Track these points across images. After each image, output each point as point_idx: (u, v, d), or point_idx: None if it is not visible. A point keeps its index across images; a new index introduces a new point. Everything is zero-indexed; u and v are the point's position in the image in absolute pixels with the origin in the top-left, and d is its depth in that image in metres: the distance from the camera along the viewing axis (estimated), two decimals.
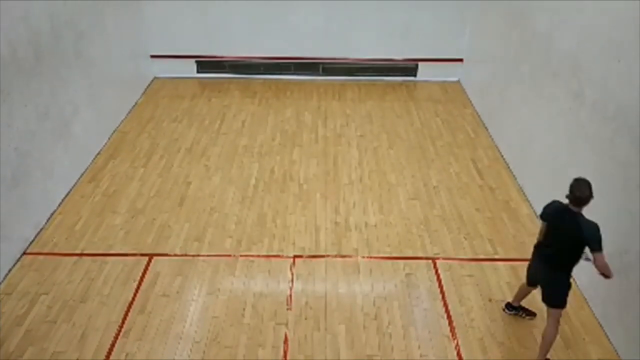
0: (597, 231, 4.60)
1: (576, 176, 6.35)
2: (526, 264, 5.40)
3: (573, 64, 6.38)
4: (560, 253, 4.85)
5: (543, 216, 5.06)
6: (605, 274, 4.67)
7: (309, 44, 10.86)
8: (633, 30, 5.22)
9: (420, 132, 9.34)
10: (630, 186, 5.19)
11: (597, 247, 4.58)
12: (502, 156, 8.59)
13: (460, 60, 10.93)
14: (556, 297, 5.02)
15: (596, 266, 4.67)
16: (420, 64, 11.10)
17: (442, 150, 8.79)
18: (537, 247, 5.18)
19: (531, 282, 5.36)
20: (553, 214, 4.92)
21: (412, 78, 11.26)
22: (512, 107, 8.31)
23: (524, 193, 7.71)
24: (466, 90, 10.79)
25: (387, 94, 10.75)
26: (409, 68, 11.18)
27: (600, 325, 5.68)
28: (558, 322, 5.06)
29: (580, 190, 4.63)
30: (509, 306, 5.76)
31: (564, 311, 5.33)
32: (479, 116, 9.84)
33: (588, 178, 5.96)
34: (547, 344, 5.09)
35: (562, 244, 4.81)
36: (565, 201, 4.79)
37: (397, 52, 10.99)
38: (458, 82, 11.19)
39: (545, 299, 5.10)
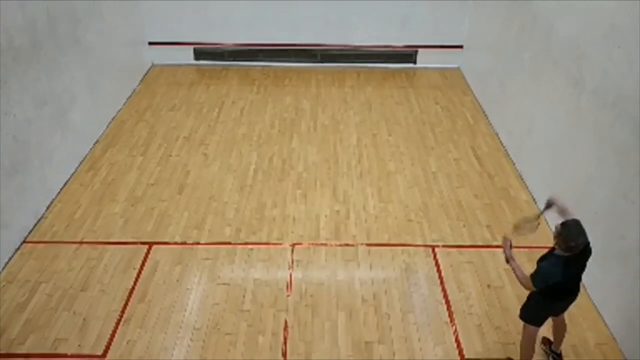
0: (542, 270, 4.32)
1: (575, 163, 6.32)
2: (525, 250, 5.40)
3: (574, 50, 6.35)
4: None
5: None
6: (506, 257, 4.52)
7: (308, 31, 10.77)
8: (634, 16, 5.18)
9: (420, 119, 9.32)
10: (629, 173, 5.19)
11: (534, 281, 4.32)
12: (501, 143, 8.58)
13: (460, 47, 10.86)
14: (524, 309, 4.80)
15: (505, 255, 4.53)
16: (419, 50, 11.04)
17: (441, 138, 8.78)
18: None
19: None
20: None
21: (411, 65, 11.19)
22: (512, 94, 8.28)
23: (523, 180, 7.71)
24: (466, 77, 10.74)
25: (387, 81, 10.71)
26: (408, 55, 11.11)
27: (598, 311, 5.72)
28: (530, 340, 4.80)
29: (575, 241, 4.19)
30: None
31: None
32: (478, 103, 9.80)
33: (587, 165, 5.98)
34: (521, 353, 4.95)
35: None
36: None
37: (397, 39, 10.92)
38: (458, 69, 11.13)
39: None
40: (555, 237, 4.27)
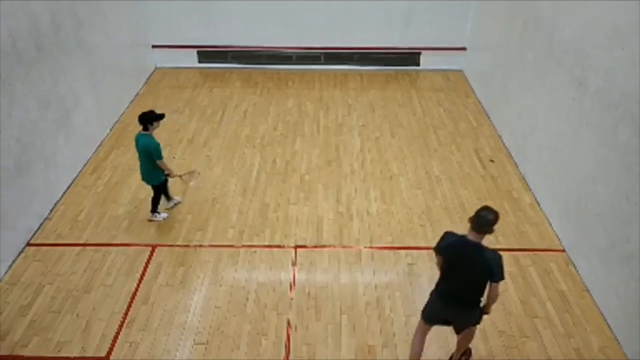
0: (500, 260, 4.28)
1: (578, 164, 6.36)
2: (528, 253, 5.38)
3: (577, 52, 6.34)
4: (466, 290, 4.46)
5: (437, 250, 4.63)
6: (490, 304, 4.44)
7: (311, 34, 10.80)
8: (637, 18, 5.17)
9: (423, 122, 9.32)
10: (632, 174, 5.17)
11: (499, 277, 4.28)
12: (504, 145, 8.57)
13: (463, 49, 10.86)
14: (472, 323, 4.72)
15: (488, 296, 4.41)
16: (422, 52, 11.04)
17: (444, 140, 8.77)
18: (437, 285, 4.72)
19: (432, 321, 4.86)
20: (451, 249, 4.48)
21: (414, 67, 11.20)
22: (514, 96, 8.27)
23: (526, 182, 7.69)
24: (469, 79, 10.74)
25: (389, 83, 10.71)
26: (411, 57, 11.11)
27: (602, 314, 5.70)
28: (474, 332, 4.85)
29: (485, 212, 4.26)
30: None
31: (565, 297, 5.31)
32: (481, 105, 9.79)
33: (590, 166, 5.98)
34: (463, 346, 4.98)
35: (466, 280, 4.41)
36: (460, 232, 4.45)
37: (400, 41, 10.93)
38: (461, 71, 11.13)
39: (460, 330, 4.80)
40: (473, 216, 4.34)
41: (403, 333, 5.49)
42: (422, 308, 4.88)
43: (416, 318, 5.64)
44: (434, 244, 6.60)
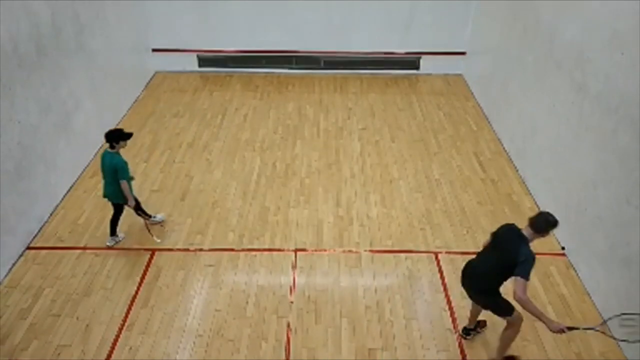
0: (532, 260, 4.42)
1: (578, 168, 6.39)
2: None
3: (577, 56, 6.36)
4: (485, 267, 4.71)
5: (493, 234, 4.91)
6: (531, 312, 4.44)
7: (311, 37, 10.83)
8: (637, 22, 5.19)
9: (423, 125, 9.33)
10: (632, 178, 5.18)
11: (521, 272, 4.38)
12: (504, 149, 8.58)
13: (463, 53, 10.89)
14: (499, 311, 4.88)
15: (514, 298, 4.44)
16: (422, 57, 11.07)
17: (444, 144, 8.78)
18: (467, 263, 5.01)
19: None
20: (501, 230, 4.79)
21: (414, 71, 11.22)
22: (514, 100, 8.28)
23: (526, 186, 7.70)
24: (469, 83, 10.76)
25: (389, 87, 10.73)
26: (411, 61, 11.14)
27: (603, 318, 5.68)
28: (519, 325, 4.91)
29: (548, 214, 4.55)
30: (466, 331, 5.47)
31: (565, 300, 5.30)
32: (481, 109, 9.81)
33: (590, 169, 6.00)
34: (505, 345, 5.05)
35: (492, 257, 4.66)
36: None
37: (400, 45, 10.95)
38: (460, 75, 11.15)
39: (494, 313, 4.95)
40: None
41: (403, 336, 5.48)
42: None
43: (416, 321, 5.65)
44: (433, 247, 6.69)
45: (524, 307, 4.43)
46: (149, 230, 6.61)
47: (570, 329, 4.46)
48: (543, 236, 4.55)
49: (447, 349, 5.36)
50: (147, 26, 10.56)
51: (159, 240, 6.59)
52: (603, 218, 5.68)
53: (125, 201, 6.31)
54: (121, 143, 6.14)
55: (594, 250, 5.88)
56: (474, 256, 4.83)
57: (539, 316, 4.43)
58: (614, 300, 5.51)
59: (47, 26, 6.99)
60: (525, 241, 4.51)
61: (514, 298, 4.41)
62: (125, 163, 6.17)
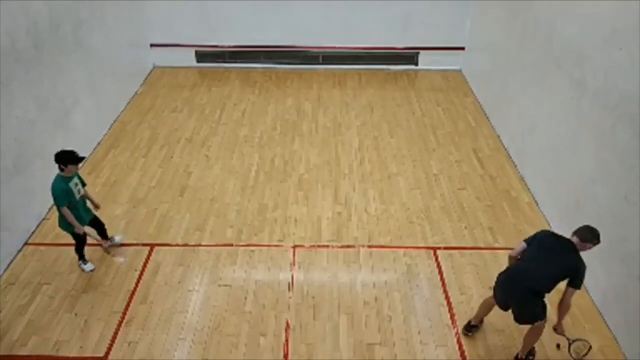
0: (584, 270, 4.67)
1: (577, 165, 6.40)
2: None
3: (576, 52, 6.35)
4: (538, 278, 4.70)
5: (529, 239, 4.92)
6: (562, 315, 4.81)
7: (309, 33, 10.80)
8: (635, 19, 5.18)
9: (421, 121, 9.32)
10: (631, 175, 5.19)
11: (579, 284, 4.68)
12: (503, 145, 8.58)
13: (462, 48, 10.87)
14: (534, 315, 4.89)
15: (561, 305, 4.76)
16: (421, 52, 11.05)
17: (443, 140, 8.78)
18: (508, 268, 5.02)
19: (498, 303, 5.09)
20: (547, 238, 4.83)
21: (413, 67, 11.20)
22: (513, 96, 8.28)
23: (524, 182, 7.70)
24: (467, 79, 10.74)
25: (388, 83, 10.72)
26: (410, 56, 11.12)
27: (600, 314, 5.71)
28: (544, 327, 4.96)
29: (588, 227, 4.73)
30: (469, 328, 5.47)
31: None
32: (480, 105, 9.80)
33: (588, 167, 6.00)
34: (530, 344, 5.09)
35: (545, 268, 4.68)
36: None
37: (398, 41, 10.93)
38: (459, 70, 11.14)
39: (519, 320, 4.95)
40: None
41: (401, 331, 5.50)
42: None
43: (414, 316, 5.67)
44: (432, 243, 6.70)
45: (565, 312, 4.79)
46: (108, 252, 6.32)
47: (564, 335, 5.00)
48: (587, 248, 4.67)
49: (445, 344, 5.38)
50: (145, 21, 10.52)
51: (122, 260, 6.30)
52: (601, 215, 5.69)
53: (73, 229, 5.64)
54: (70, 167, 5.47)
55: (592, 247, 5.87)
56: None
57: (562, 318, 4.86)
58: (612, 296, 5.54)
59: (45, 22, 6.95)
60: (578, 252, 4.67)
61: (564, 304, 4.73)
62: (63, 190, 5.50)
